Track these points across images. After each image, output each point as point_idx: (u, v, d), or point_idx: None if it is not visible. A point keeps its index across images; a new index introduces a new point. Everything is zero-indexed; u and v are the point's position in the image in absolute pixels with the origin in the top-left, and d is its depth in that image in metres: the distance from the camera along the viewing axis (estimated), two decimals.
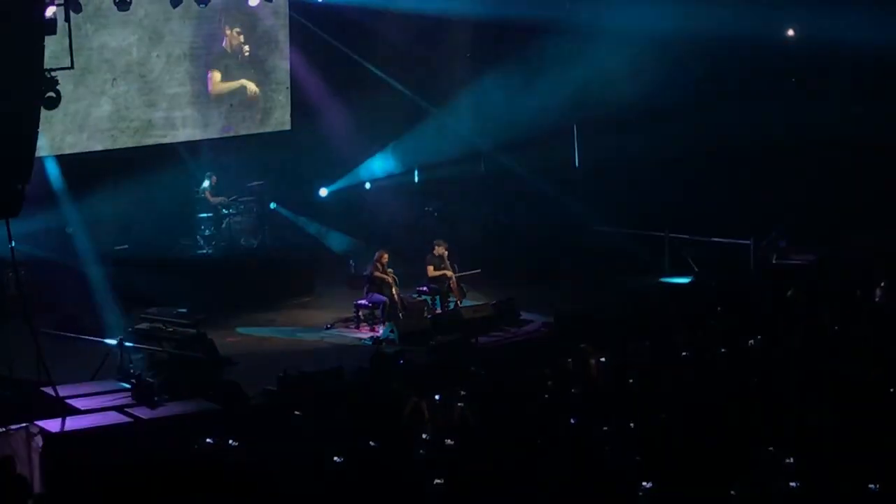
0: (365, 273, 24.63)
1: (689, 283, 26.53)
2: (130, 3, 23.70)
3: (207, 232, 26.48)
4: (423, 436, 16.62)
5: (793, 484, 14.43)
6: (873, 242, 26.77)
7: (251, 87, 27.83)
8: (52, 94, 19.93)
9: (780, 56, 29.32)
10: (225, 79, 27.38)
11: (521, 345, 22.84)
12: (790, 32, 29.15)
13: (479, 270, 25.43)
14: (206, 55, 27.17)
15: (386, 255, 24.56)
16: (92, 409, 17.91)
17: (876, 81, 28.40)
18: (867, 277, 24.85)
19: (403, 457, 15.72)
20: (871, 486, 14.45)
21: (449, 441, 16.08)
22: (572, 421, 17.04)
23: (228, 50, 27.48)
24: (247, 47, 27.64)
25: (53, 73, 19.61)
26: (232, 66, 27.54)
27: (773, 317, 22.27)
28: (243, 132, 27.90)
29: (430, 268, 24.85)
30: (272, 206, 27.53)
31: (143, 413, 17.61)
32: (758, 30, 28.20)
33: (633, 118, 29.15)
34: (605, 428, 16.80)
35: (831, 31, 27.39)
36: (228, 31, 27.34)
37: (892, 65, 27.68)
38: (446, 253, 25.00)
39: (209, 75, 27.18)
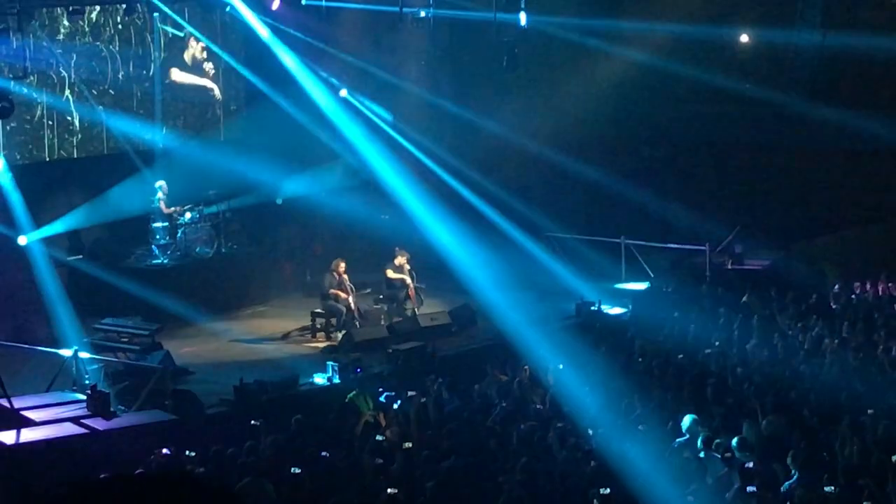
0: (321, 281, 24.58)
1: (646, 289, 26.56)
2: (83, 13, 23.58)
3: (162, 241, 26.37)
4: (378, 437, 16.59)
5: (751, 488, 14.52)
6: (827, 246, 26.93)
7: (217, 91, 27.90)
8: (5, 103, 19.81)
9: (734, 61, 29.45)
10: (186, 72, 27.42)
11: (479, 352, 22.84)
12: (744, 38, 29.28)
13: (423, 286, 25.39)
14: (166, 63, 27.11)
15: (343, 264, 24.52)
16: (47, 420, 17.82)
17: (830, 86, 28.57)
18: (822, 281, 25.04)
19: (357, 467, 15.71)
20: (828, 488, 14.56)
21: (407, 444, 16.09)
22: (527, 427, 17.07)
23: (189, 62, 27.41)
24: (210, 64, 27.57)
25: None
26: (192, 72, 27.57)
27: (729, 322, 22.37)
28: (197, 134, 27.86)
29: (389, 271, 24.86)
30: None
31: (98, 424, 17.53)
32: (712, 35, 28.33)
33: (588, 126, 29.22)
34: (562, 435, 16.85)
35: (785, 36, 27.60)
36: (193, 43, 27.27)
37: (845, 69, 27.86)
38: (406, 263, 25.00)
39: (169, 71, 27.14)
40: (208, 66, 27.80)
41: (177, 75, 27.28)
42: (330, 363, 21.06)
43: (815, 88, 28.58)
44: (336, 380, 20.59)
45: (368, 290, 25.61)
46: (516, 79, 29.66)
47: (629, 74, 29.23)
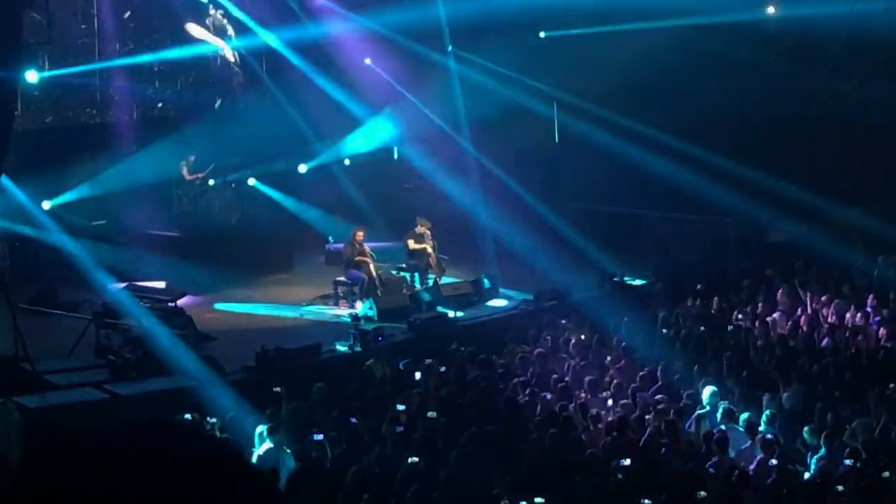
0: (342, 250, 24.58)
1: (669, 261, 26.42)
2: None
3: (185, 208, 26.39)
4: (400, 407, 16.60)
5: (773, 462, 14.53)
6: (852, 220, 26.77)
7: (228, 53, 27.84)
8: (31, 68, 19.82)
9: (760, 34, 29.27)
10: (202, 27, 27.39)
11: (500, 322, 22.83)
12: (770, 10, 29.07)
13: (446, 257, 25.38)
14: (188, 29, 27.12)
15: (361, 232, 24.49)
16: (69, 384, 17.87)
17: (853, 59, 28.39)
18: (846, 254, 24.94)
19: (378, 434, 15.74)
20: (847, 461, 14.57)
21: (431, 413, 16.12)
22: (549, 397, 17.10)
23: (211, 28, 27.38)
24: (231, 29, 27.54)
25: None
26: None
27: (752, 295, 22.33)
28: (220, 101, 27.86)
29: (410, 241, 24.84)
30: (252, 182, 27.41)
31: (120, 389, 17.58)
32: (738, 8, 28.15)
33: (613, 96, 29.08)
34: (584, 406, 16.87)
35: (810, 9, 27.39)
36: (212, 12, 27.21)
37: (867, 42, 27.66)
38: (428, 232, 24.97)
39: (186, 26, 27.03)
40: (230, 32, 27.73)
41: (193, 29, 27.13)
42: (351, 331, 21.09)
43: (844, 61, 28.39)
44: (357, 348, 20.59)
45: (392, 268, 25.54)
46: (540, 47, 29.56)
47: (655, 46, 29.04)
